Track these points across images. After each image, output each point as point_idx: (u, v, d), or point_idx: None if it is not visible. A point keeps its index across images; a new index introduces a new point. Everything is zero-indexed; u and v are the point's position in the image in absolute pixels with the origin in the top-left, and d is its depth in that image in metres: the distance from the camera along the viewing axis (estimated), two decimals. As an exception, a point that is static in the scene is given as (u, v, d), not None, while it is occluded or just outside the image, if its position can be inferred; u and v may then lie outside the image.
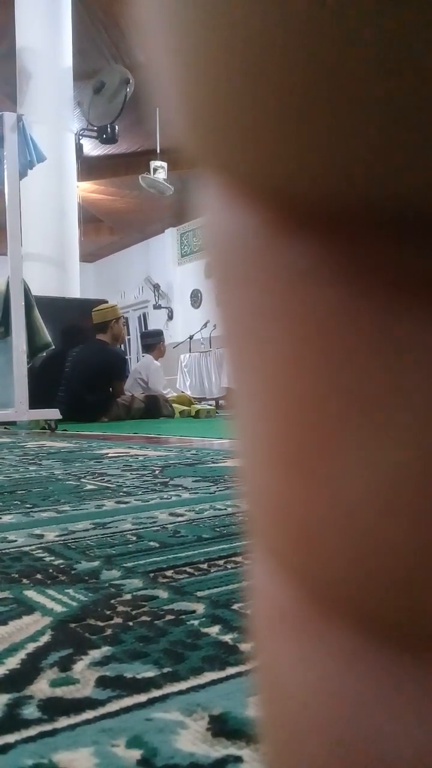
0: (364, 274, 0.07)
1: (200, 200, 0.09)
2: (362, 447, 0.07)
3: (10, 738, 0.37)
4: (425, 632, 0.07)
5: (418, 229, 0.07)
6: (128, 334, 8.99)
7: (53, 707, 0.40)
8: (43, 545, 0.84)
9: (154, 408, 4.89)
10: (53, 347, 3.94)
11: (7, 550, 0.82)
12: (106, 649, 0.49)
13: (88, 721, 0.38)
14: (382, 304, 0.07)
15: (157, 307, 10.77)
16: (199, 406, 5.23)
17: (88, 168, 8.15)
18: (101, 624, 0.54)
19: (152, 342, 5.73)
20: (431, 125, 0.06)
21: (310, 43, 0.06)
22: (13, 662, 0.47)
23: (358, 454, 0.07)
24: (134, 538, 0.87)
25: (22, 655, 0.48)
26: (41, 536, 0.90)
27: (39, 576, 0.70)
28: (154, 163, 7.86)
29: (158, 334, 5.97)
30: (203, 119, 0.07)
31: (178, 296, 10.35)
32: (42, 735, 0.37)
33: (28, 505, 1.16)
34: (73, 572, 0.71)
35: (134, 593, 0.63)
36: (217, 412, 5.27)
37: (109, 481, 1.47)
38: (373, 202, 0.07)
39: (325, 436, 0.08)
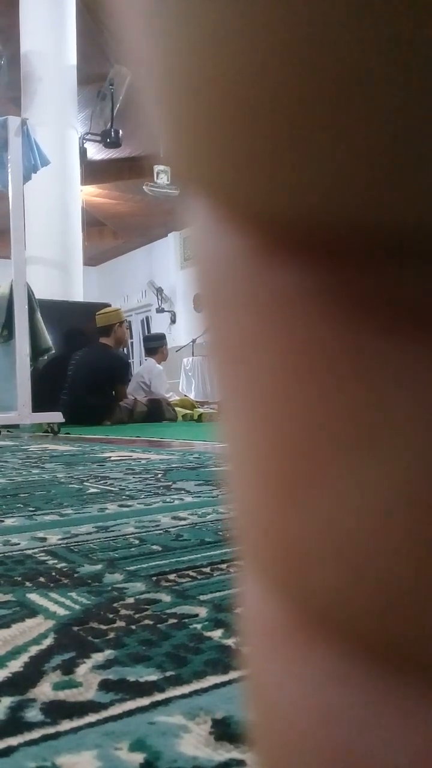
0: (353, 300, 0.07)
1: (190, 221, 0.09)
2: (353, 474, 0.07)
3: (13, 741, 0.37)
4: (414, 653, 0.08)
5: (408, 256, 0.07)
6: (131, 338, 8.99)
7: (56, 710, 0.40)
8: (46, 548, 0.85)
9: (156, 411, 4.89)
10: (53, 351, 3.95)
11: (11, 553, 0.82)
12: (108, 653, 0.49)
13: (90, 725, 0.38)
14: (371, 331, 0.07)
15: (160, 310, 10.77)
16: (201, 410, 5.23)
17: (92, 172, 8.16)
18: (104, 627, 0.54)
19: (155, 345, 5.72)
20: (425, 155, 0.06)
21: (304, 71, 0.06)
22: (16, 665, 0.47)
23: (350, 481, 0.07)
24: (137, 542, 0.87)
25: (25, 658, 0.48)
26: (44, 539, 0.90)
27: (42, 579, 0.70)
28: (157, 167, 7.87)
29: (161, 338, 5.96)
30: (194, 143, 0.07)
31: (181, 300, 10.35)
32: (45, 738, 0.37)
33: (31, 508, 1.16)
34: (75, 575, 0.71)
35: (137, 597, 0.63)
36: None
37: (112, 484, 1.47)
38: (364, 228, 0.07)
39: (316, 463, 0.08)
